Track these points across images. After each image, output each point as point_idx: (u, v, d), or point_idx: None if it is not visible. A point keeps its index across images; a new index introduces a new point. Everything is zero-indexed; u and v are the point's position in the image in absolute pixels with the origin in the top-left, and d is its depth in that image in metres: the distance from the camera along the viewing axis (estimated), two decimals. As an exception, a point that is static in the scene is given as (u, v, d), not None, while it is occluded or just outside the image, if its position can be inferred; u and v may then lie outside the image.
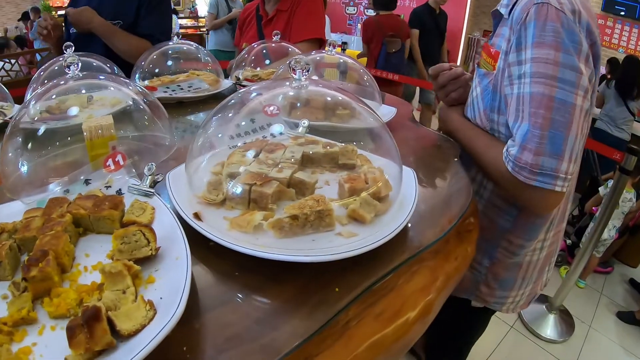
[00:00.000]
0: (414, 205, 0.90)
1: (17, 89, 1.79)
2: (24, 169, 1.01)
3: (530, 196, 1.10)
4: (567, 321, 3.24)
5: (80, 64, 1.02)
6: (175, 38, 1.84)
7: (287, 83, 0.96)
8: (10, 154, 1.02)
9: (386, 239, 0.78)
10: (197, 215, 0.80)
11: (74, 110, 1.07)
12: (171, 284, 0.66)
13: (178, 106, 1.67)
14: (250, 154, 0.98)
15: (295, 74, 0.92)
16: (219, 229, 0.79)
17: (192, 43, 1.91)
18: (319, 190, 0.95)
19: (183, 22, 12.16)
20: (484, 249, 1.39)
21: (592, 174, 4.39)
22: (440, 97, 1.54)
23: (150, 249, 0.70)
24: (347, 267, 0.77)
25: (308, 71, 0.92)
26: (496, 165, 1.15)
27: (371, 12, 7.55)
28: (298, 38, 2.38)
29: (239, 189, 0.85)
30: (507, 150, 1.11)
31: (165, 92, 1.66)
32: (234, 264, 0.76)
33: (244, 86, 1.82)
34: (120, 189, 0.91)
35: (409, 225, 0.92)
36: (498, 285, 1.44)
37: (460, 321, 1.68)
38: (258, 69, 2.01)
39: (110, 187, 0.92)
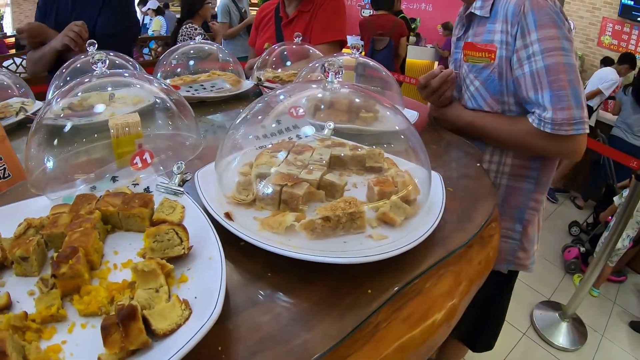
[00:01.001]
0: (442, 209, 0.90)
1: (36, 86, 1.79)
2: (50, 164, 1.01)
3: (569, 145, 1.34)
4: (579, 330, 3.20)
5: (107, 61, 1.01)
6: (198, 37, 1.84)
7: (317, 85, 0.96)
8: (35, 150, 1.02)
9: (416, 242, 0.78)
10: (228, 215, 0.80)
11: (100, 108, 1.07)
12: (205, 283, 0.65)
13: (200, 106, 1.67)
14: (280, 155, 0.98)
15: (327, 76, 0.91)
16: (250, 229, 0.78)
17: (213, 43, 1.91)
18: (347, 192, 0.95)
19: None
20: (515, 215, 1.63)
21: (607, 181, 4.35)
22: (433, 101, 1.64)
23: (183, 248, 0.70)
24: (378, 269, 0.77)
25: (340, 74, 0.91)
26: (530, 134, 1.38)
27: (366, 13, 7.62)
28: (319, 40, 2.36)
29: (269, 190, 0.85)
30: (539, 117, 1.33)
31: (188, 91, 1.67)
32: (265, 264, 0.75)
33: (265, 87, 1.82)
34: (148, 187, 0.91)
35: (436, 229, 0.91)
36: (530, 245, 1.67)
37: (494, 292, 1.84)
38: (279, 70, 2.00)
39: (137, 184, 0.92)
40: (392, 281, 0.76)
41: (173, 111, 1.09)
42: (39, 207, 0.88)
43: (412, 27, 7.18)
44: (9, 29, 12.53)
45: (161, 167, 0.94)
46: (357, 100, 1.16)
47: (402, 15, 5.95)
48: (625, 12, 6.62)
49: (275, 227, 0.77)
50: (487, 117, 1.50)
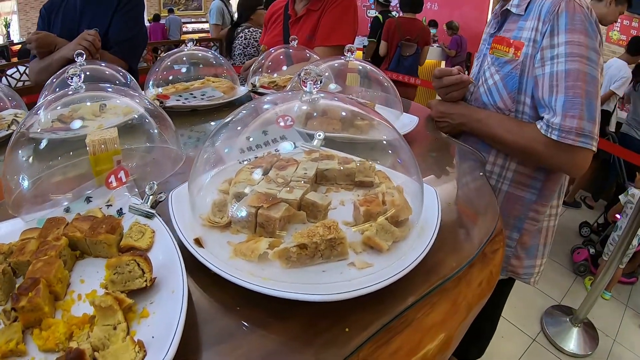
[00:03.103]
0: (436, 231, 0.84)
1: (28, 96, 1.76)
2: (25, 183, 0.97)
3: (571, 157, 1.30)
4: (591, 334, 3.12)
5: (83, 76, 0.97)
6: (190, 44, 1.79)
7: (298, 95, 0.90)
8: (12, 167, 0.99)
9: (404, 272, 0.72)
10: (198, 242, 0.75)
11: (76, 124, 1.02)
12: (166, 320, 0.61)
13: (192, 115, 1.63)
14: (259, 171, 0.92)
15: (305, 86, 0.86)
16: (222, 256, 0.73)
17: (206, 49, 1.87)
18: (333, 211, 0.89)
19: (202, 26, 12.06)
20: (513, 224, 1.59)
21: (618, 180, 4.25)
22: (441, 94, 1.65)
23: (145, 281, 0.65)
24: (359, 301, 0.70)
25: (320, 82, 0.85)
26: (536, 139, 1.33)
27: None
28: (324, 42, 2.29)
29: (244, 212, 0.79)
30: (547, 122, 1.29)
31: (178, 100, 1.62)
32: (236, 295, 0.70)
33: (259, 93, 1.77)
34: (121, 209, 0.86)
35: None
36: (526, 254, 1.63)
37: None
38: (275, 74, 1.95)
39: (111, 205, 0.87)
40: (376, 316, 0.70)
41: (151, 125, 1.05)
42: (13, 229, 0.84)
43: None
44: (15, 37, 12.65)
45: (136, 189, 0.89)
46: (343, 112, 1.10)
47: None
48: (634, 6, 6.48)
49: (247, 254, 0.72)
50: (496, 116, 1.47)
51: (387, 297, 0.73)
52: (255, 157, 1.03)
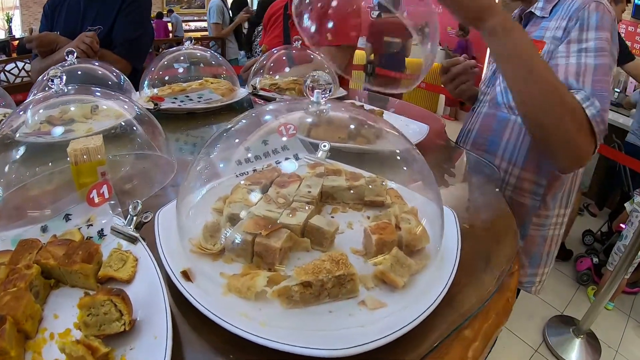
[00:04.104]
0: (456, 263, 0.75)
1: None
2: (0, 194, 0.88)
3: (587, 144, 1.19)
4: (593, 346, 3.04)
5: (64, 78, 0.88)
6: (187, 43, 1.71)
7: (304, 105, 0.81)
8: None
9: (423, 315, 0.63)
10: (186, 274, 0.65)
11: (58, 130, 0.94)
12: (147, 372, 0.52)
13: (188, 118, 1.54)
14: (257, 189, 0.83)
15: (312, 95, 0.77)
16: (213, 292, 0.64)
17: (205, 49, 1.78)
18: (340, 235, 0.80)
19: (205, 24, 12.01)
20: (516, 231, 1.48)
21: (623, 188, 4.16)
22: (451, 89, 1.62)
23: (123, 324, 0.56)
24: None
25: (329, 92, 0.76)
26: (573, 102, 1.17)
27: (375, 15, 7.47)
28: (329, 42, 2.14)
29: (238, 239, 0.70)
30: (587, 98, 1.18)
31: (174, 102, 1.53)
32: (228, 340, 0.60)
33: (259, 96, 1.68)
34: (102, 230, 0.77)
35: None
36: (529, 263, 1.56)
37: None
38: (277, 76, 1.86)
39: (92, 225, 0.78)
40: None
41: (139, 131, 0.96)
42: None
43: (420, 27, 7.04)
44: (17, 32, 12.58)
45: (119, 207, 0.80)
46: (352, 125, 1.01)
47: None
48: (639, 13, 6.39)
49: (243, 291, 0.63)
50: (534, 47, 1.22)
51: (401, 340, 0.63)
52: (254, 170, 0.94)
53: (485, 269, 0.85)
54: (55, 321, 0.63)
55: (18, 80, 4.60)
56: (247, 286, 0.62)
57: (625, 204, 3.47)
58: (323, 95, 0.77)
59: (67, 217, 0.79)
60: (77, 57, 1.38)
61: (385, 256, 0.70)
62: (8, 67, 4.72)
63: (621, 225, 3.55)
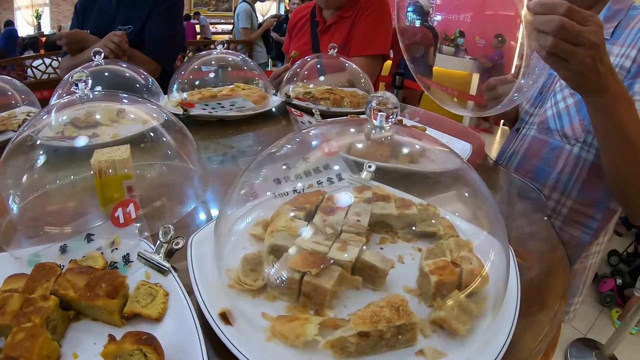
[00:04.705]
0: (518, 307, 0.66)
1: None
2: (17, 206, 0.81)
3: None
4: (615, 372, 2.92)
5: (90, 82, 0.81)
6: (219, 47, 1.65)
7: (364, 128, 0.73)
8: (6, 183, 0.83)
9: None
10: (225, 317, 0.57)
11: (81, 140, 0.86)
12: None
13: (219, 125, 1.47)
14: (301, 216, 0.75)
15: (375, 119, 0.68)
16: (255, 337, 0.56)
17: (237, 53, 1.73)
18: (391, 271, 0.70)
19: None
20: None
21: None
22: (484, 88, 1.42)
23: (154, 376, 0.48)
24: None
25: (395, 117, 0.68)
26: None
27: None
28: (359, 52, 2.10)
29: (284, 277, 0.61)
30: None
31: (204, 109, 1.46)
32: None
33: (293, 105, 1.60)
34: (128, 255, 0.69)
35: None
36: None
37: None
38: (311, 85, 1.78)
39: (116, 249, 0.70)
40: None
41: (167, 141, 0.88)
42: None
43: (452, 37, 6.97)
44: (46, 29, 12.84)
45: (146, 231, 0.72)
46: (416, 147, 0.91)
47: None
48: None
49: (291, 338, 0.54)
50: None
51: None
52: (294, 191, 0.86)
53: (541, 307, 0.76)
54: (74, 360, 0.55)
55: (45, 77, 4.63)
56: (296, 334, 0.54)
57: (656, 226, 3.38)
58: (389, 120, 0.69)
59: (89, 238, 0.71)
60: (104, 57, 1.33)
61: (449, 301, 0.61)
62: (35, 64, 4.76)
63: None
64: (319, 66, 1.85)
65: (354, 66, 1.82)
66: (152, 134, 0.91)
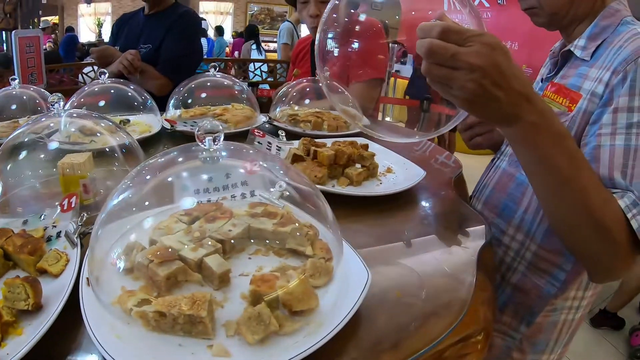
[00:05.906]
0: (333, 332, 0.73)
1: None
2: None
3: (615, 265, 1.00)
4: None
5: (62, 103, 1.15)
6: (212, 70, 1.93)
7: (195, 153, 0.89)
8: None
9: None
10: (88, 281, 0.84)
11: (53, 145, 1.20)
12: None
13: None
14: (187, 221, 0.97)
15: (203, 142, 0.84)
16: (104, 300, 0.80)
17: (229, 76, 2.01)
18: (244, 278, 0.87)
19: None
20: (522, 315, 1.32)
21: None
22: (464, 139, 1.48)
23: (27, 305, 0.78)
24: None
25: (218, 141, 0.84)
26: (607, 224, 0.92)
27: None
28: (358, 77, 2.18)
29: (139, 261, 0.85)
30: (636, 204, 0.94)
31: (185, 126, 1.75)
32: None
33: (274, 126, 1.86)
34: (60, 231, 1.01)
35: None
36: (531, 349, 1.35)
37: None
38: (297, 107, 2.03)
39: (55, 226, 1.02)
40: None
41: (118, 158, 1.19)
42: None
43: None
44: (106, 37, 13.69)
45: (75, 217, 1.03)
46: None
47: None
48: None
49: (122, 304, 0.78)
50: (582, 157, 0.95)
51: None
52: (208, 201, 1.06)
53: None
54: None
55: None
56: (123, 302, 0.79)
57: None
58: (216, 144, 0.85)
59: (42, 216, 1.04)
60: (117, 75, 1.67)
61: (248, 309, 0.74)
62: (85, 70, 5.24)
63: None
64: (308, 89, 2.06)
65: (345, 92, 1.91)
66: (107, 150, 1.23)
